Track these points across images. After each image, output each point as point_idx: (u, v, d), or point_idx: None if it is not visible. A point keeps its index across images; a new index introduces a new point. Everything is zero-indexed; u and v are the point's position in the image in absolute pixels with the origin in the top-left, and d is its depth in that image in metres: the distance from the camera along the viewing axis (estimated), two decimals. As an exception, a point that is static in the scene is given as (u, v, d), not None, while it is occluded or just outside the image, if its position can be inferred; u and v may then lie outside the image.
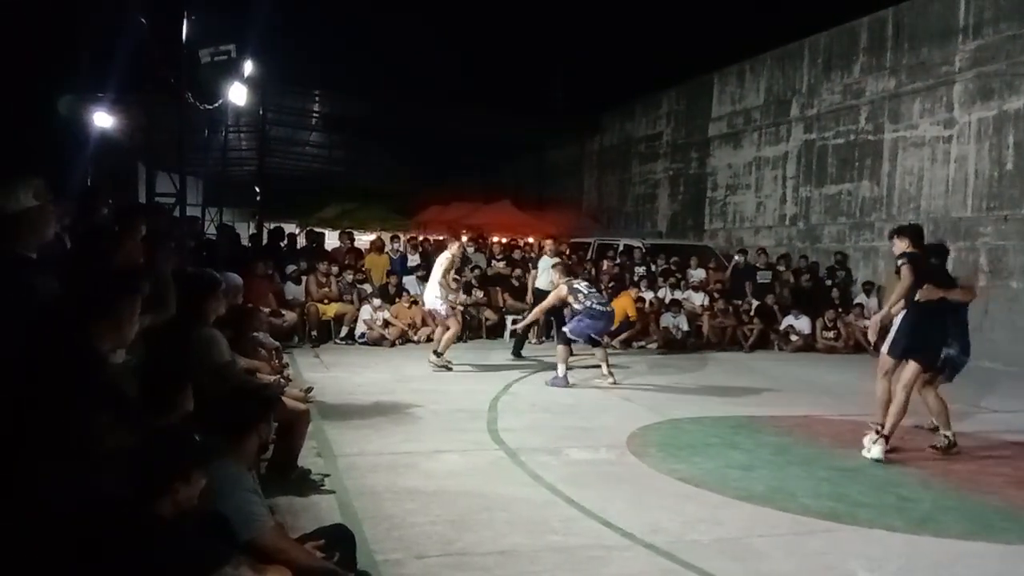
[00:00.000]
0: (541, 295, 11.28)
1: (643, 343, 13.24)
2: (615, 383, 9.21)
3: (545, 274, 11.65)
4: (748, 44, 18.99)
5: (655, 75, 22.58)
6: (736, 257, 15.88)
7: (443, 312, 10.18)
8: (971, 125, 13.37)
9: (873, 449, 6.27)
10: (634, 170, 24.30)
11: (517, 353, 11.37)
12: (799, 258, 16.13)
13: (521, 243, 17.55)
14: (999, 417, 8.42)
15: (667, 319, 13.42)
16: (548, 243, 13.08)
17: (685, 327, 13.35)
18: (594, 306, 9.20)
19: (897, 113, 14.87)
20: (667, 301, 13.81)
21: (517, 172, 30.79)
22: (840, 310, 14.05)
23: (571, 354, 9.39)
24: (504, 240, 18.47)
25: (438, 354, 9.88)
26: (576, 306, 9.30)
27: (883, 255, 15.09)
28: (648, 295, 13.94)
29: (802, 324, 13.73)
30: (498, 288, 14.19)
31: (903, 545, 4.48)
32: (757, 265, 15.46)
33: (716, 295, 14.32)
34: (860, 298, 14.40)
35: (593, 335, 9.35)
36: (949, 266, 13.40)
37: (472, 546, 4.17)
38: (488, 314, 13.67)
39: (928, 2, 14.36)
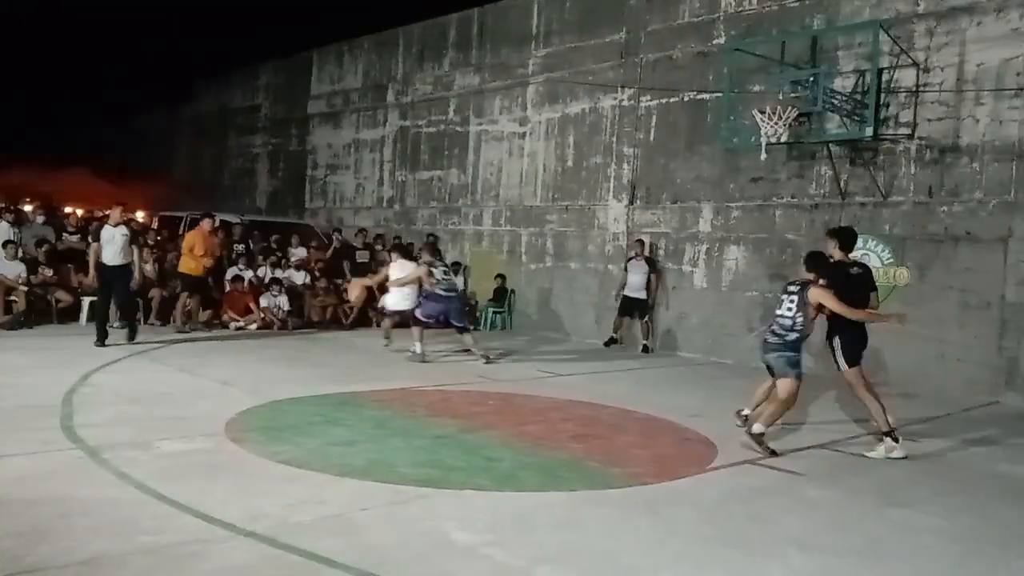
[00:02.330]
0: (106, 269, 10.24)
1: (242, 324, 12.79)
2: (488, 360, 10.27)
3: (111, 246, 10.28)
4: (348, 25, 19.20)
5: (253, 45, 21.76)
6: (334, 236, 16.07)
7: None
8: (541, 124, 15.09)
9: (896, 451, 6.42)
10: (231, 142, 23.28)
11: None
12: (394, 239, 16.83)
13: (100, 215, 15.80)
14: (563, 380, 9.71)
15: (267, 298, 13.13)
16: (115, 210, 10.88)
17: (287, 306, 13.21)
18: (435, 290, 10.29)
19: (481, 108, 16.20)
20: (267, 280, 13.52)
21: (97, 137, 27.61)
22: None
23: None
24: (80, 212, 16.48)
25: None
26: (427, 287, 10.36)
27: (468, 237, 16.41)
28: (248, 274, 13.47)
29: (399, 301, 14.37)
30: (71, 266, 12.62)
31: (490, 501, 4.96)
32: (356, 245, 15.82)
33: (318, 274, 14.38)
34: (450, 277, 15.57)
35: (442, 318, 10.40)
36: (523, 250, 15.29)
37: (47, 559, 3.69)
38: (61, 295, 12.14)
39: (508, 8, 15.82)
